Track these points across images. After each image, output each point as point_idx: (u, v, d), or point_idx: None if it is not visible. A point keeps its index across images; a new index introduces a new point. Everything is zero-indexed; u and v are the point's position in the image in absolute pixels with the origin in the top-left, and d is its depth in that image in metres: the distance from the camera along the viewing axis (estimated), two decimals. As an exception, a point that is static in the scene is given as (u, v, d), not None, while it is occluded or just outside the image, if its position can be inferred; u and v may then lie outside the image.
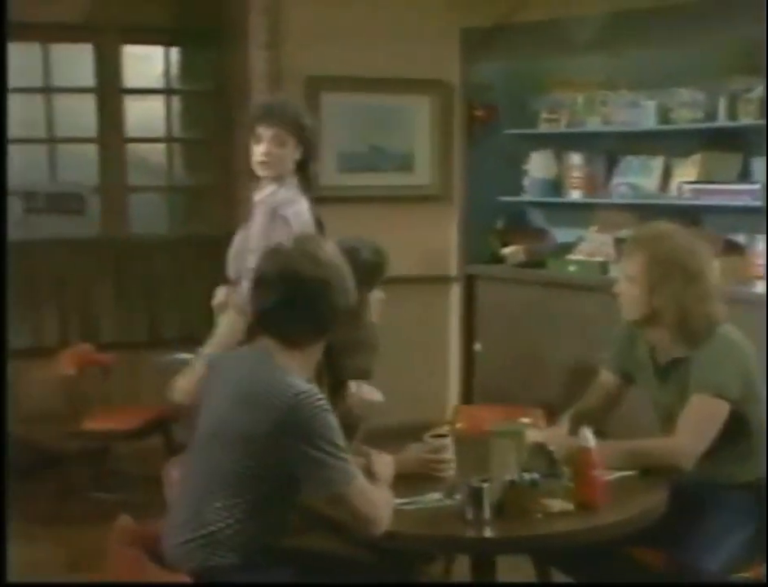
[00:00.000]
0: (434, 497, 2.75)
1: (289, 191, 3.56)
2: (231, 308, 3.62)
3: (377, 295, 3.20)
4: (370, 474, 2.67)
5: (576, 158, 5.61)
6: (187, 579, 2.42)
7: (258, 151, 3.57)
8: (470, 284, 5.87)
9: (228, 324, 3.63)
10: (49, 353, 5.08)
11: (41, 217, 5.65)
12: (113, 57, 5.77)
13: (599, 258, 5.26)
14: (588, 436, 2.73)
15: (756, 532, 3.01)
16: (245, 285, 3.34)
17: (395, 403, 5.34)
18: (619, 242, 4.93)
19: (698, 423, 2.95)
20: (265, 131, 3.55)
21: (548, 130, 5.76)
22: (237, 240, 3.65)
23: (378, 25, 5.57)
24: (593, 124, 5.57)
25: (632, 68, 5.39)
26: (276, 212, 3.48)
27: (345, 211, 5.57)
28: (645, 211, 5.13)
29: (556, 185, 5.76)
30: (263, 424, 2.43)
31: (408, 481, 2.82)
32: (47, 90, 5.70)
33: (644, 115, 5.24)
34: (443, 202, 5.91)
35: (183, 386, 3.68)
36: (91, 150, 5.80)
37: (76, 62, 5.79)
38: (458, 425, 3.42)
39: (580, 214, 5.71)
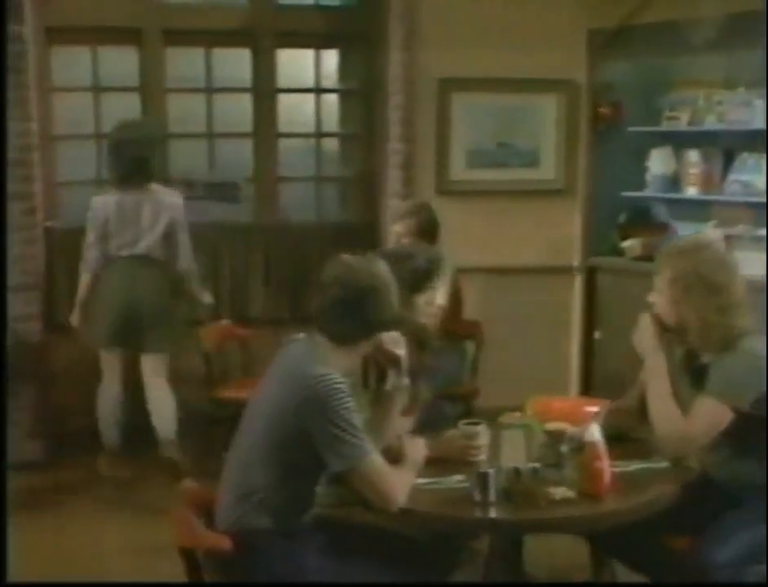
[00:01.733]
0: (454, 479, 3.03)
1: None
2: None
3: (425, 298, 3.43)
4: (400, 455, 3.00)
5: (693, 155, 5.74)
6: (226, 540, 2.79)
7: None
8: (591, 275, 6.10)
9: (81, 282, 5.16)
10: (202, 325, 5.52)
11: (199, 203, 6.03)
12: (269, 60, 6.19)
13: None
14: (594, 431, 2.99)
15: None
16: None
17: (517, 388, 5.64)
18: (729, 239, 5.06)
19: (696, 420, 3.13)
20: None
21: (669, 127, 5.89)
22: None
23: (507, 29, 5.84)
24: (711, 122, 5.67)
25: (750, 67, 5.46)
26: None
27: (473, 204, 5.98)
28: (758, 208, 5.24)
29: (675, 181, 5.89)
30: (292, 400, 2.83)
31: (442, 464, 3.11)
32: (208, 91, 6.19)
33: (756, 114, 5.34)
34: (568, 196, 6.14)
35: None
36: (247, 144, 6.26)
37: (234, 64, 6.23)
38: (528, 414, 3.69)
39: (701, 209, 5.81)
